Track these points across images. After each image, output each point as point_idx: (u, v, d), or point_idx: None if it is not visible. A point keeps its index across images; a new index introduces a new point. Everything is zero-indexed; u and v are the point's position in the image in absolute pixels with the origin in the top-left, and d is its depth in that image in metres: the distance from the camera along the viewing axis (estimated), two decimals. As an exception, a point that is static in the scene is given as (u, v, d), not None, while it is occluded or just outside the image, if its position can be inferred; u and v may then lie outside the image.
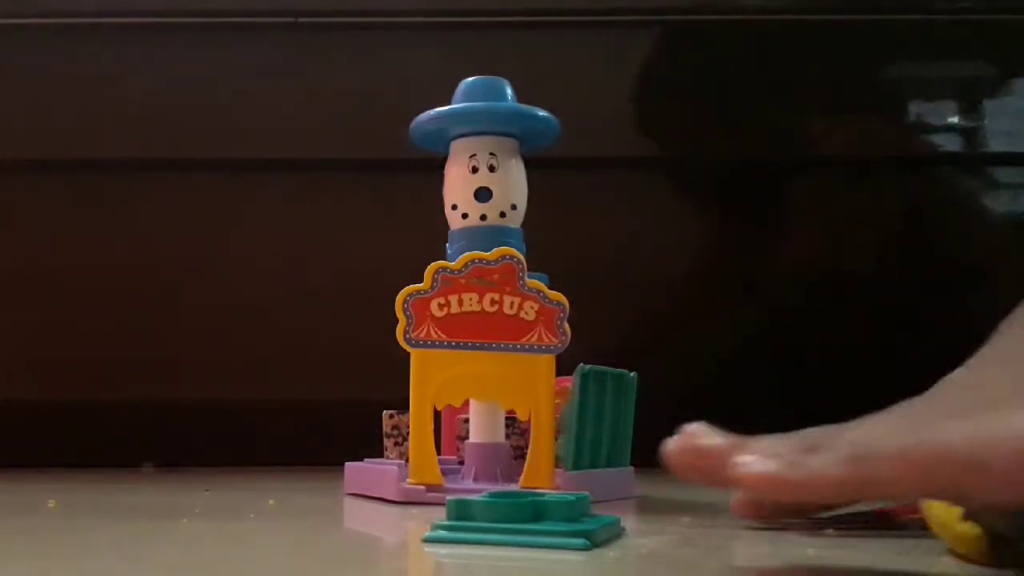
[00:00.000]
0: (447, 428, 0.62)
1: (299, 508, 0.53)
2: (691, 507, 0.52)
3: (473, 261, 0.52)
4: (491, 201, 0.55)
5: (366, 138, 0.83)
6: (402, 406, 0.55)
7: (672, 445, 0.35)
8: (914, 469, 0.29)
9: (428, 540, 0.37)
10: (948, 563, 0.34)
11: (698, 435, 0.35)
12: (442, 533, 0.37)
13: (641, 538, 0.40)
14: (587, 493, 0.40)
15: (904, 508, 0.42)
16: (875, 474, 0.30)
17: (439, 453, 0.56)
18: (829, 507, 0.43)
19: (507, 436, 0.56)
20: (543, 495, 0.39)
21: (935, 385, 0.35)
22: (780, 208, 0.87)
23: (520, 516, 0.36)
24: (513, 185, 0.56)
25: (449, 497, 0.38)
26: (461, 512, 0.37)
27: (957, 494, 0.31)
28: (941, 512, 0.35)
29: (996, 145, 0.86)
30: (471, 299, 0.52)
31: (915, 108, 0.88)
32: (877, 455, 0.30)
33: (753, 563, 0.35)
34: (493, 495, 0.38)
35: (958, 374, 0.36)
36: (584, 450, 0.54)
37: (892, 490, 0.31)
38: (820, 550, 0.36)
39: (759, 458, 0.32)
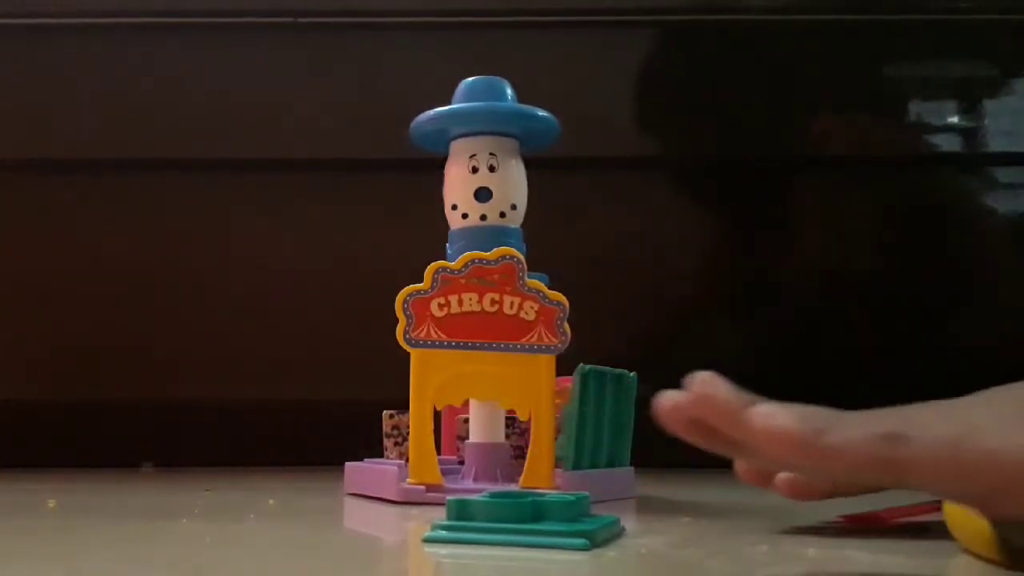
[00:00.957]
0: (447, 428, 0.62)
1: (299, 508, 0.53)
2: (691, 507, 0.52)
3: (473, 261, 0.52)
4: (491, 201, 0.55)
5: (366, 138, 0.83)
6: (402, 406, 0.55)
7: (679, 396, 0.30)
8: (954, 463, 0.28)
9: (428, 540, 0.37)
10: (960, 563, 0.34)
11: (713, 385, 0.30)
12: (442, 533, 0.37)
13: (641, 538, 0.40)
14: (587, 493, 0.40)
15: (921, 508, 0.42)
16: (913, 459, 0.28)
17: (439, 453, 0.56)
18: (840, 492, 0.41)
19: (507, 436, 0.56)
20: (543, 495, 0.39)
21: (985, 391, 0.33)
22: (780, 208, 0.87)
23: (520, 516, 0.36)
24: (513, 185, 0.56)
25: (449, 497, 0.38)
26: (461, 512, 0.37)
27: (991, 500, 0.29)
28: (959, 511, 0.34)
29: (996, 145, 0.86)
30: (471, 299, 0.52)
31: (915, 108, 0.88)
32: (919, 440, 0.28)
33: (753, 563, 0.35)
34: (493, 495, 0.38)
35: (1016, 386, 0.33)
36: (584, 450, 0.54)
37: (924, 479, 0.29)
38: (820, 550, 0.36)
39: (783, 412, 0.29)
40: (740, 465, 0.38)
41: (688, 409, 0.30)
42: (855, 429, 0.29)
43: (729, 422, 0.29)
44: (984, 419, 0.30)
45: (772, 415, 0.28)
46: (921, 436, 0.28)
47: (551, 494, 0.40)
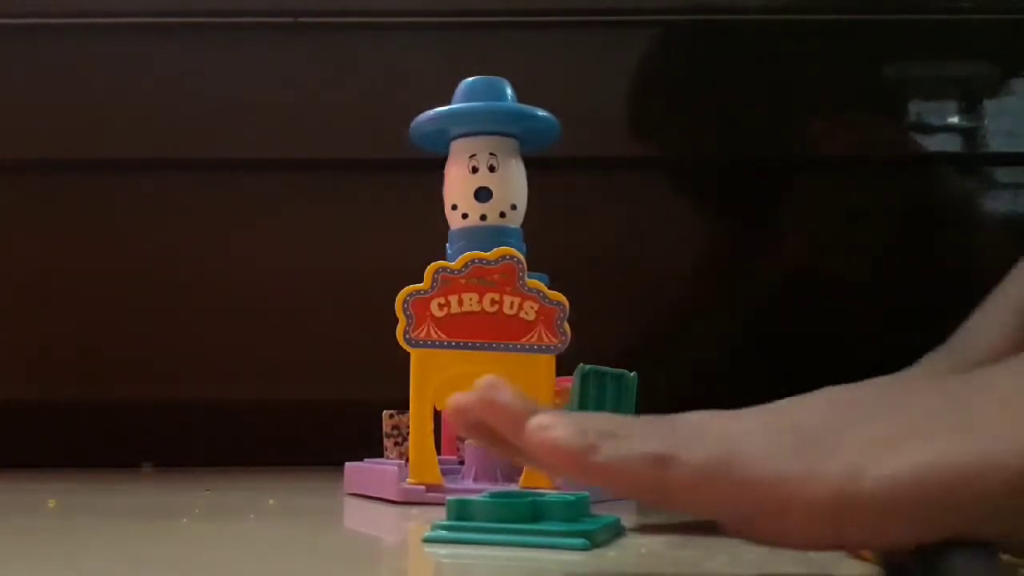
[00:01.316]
0: (447, 428, 0.62)
1: (299, 508, 0.53)
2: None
3: (473, 261, 0.52)
4: (491, 201, 0.55)
5: (366, 138, 0.83)
6: (402, 406, 0.55)
7: (466, 398, 0.30)
8: (712, 489, 0.28)
9: (428, 540, 0.37)
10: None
11: (499, 389, 0.30)
12: (442, 533, 0.37)
13: (641, 538, 0.40)
14: (587, 493, 0.40)
15: None
16: (676, 483, 0.28)
17: (439, 453, 0.56)
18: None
19: (507, 436, 0.56)
20: (543, 495, 0.39)
21: (781, 401, 0.33)
22: (780, 208, 0.87)
23: (520, 516, 0.36)
24: (513, 185, 0.56)
25: (449, 497, 0.38)
26: (461, 512, 0.37)
27: (746, 525, 0.29)
28: None
29: (996, 145, 0.86)
30: (471, 299, 0.52)
31: (915, 108, 0.88)
32: (684, 464, 0.28)
33: (753, 563, 0.35)
34: (493, 495, 0.38)
35: (805, 403, 0.33)
36: (584, 450, 0.54)
37: (686, 503, 0.29)
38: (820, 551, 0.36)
39: (560, 424, 0.29)
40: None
41: (474, 411, 0.30)
42: (628, 447, 0.29)
43: (510, 429, 0.30)
44: (752, 440, 0.30)
45: (548, 427, 0.29)
46: (687, 459, 0.28)
47: (551, 494, 0.40)
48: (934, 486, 0.27)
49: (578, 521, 0.37)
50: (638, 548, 0.37)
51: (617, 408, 0.57)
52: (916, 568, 0.28)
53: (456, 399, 0.31)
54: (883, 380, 0.35)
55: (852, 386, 0.34)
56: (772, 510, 0.28)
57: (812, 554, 0.36)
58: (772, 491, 0.28)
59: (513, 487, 0.51)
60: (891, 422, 0.30)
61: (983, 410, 0.29)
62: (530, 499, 0.37)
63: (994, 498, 0.27)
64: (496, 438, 0.31)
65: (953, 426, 0.29)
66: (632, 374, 0.59)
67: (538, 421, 0.29)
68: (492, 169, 0.56)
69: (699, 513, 0.30)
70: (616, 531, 0.39)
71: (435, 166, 0.58)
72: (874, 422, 0.30)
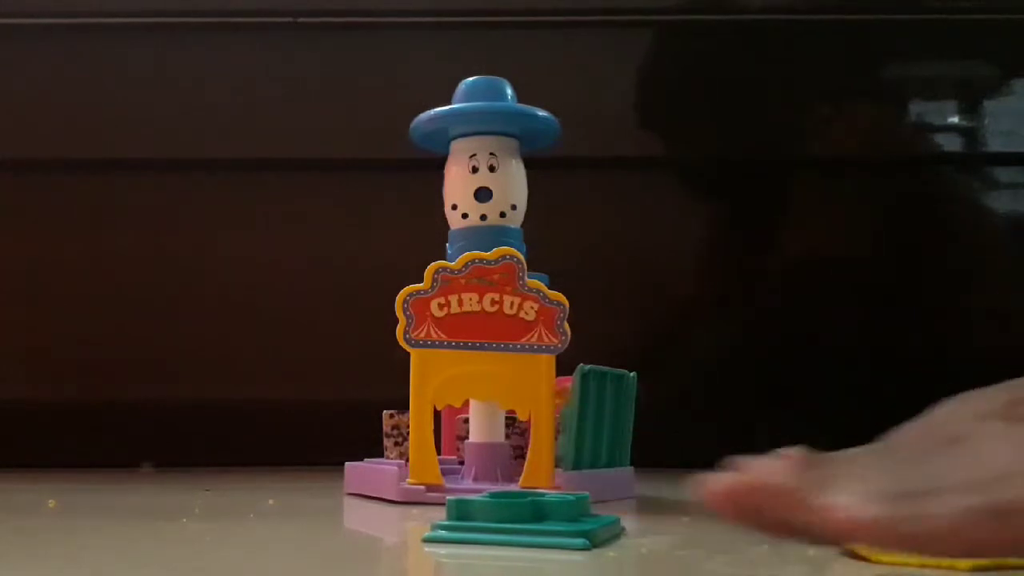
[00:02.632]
0: (447, 428, 0.62)
1: (299, 508, 0.53)
2: (691, 507, 0.52)
3: (473, 261, 0.52)
4: (491, 201, 0.55)
5: (366, 138, 0.83)
6: (402, 406, 0.55)
7: (730, 480, 0.28)
8: None
9: (428, 540, 0.37)
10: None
11: (761, 470, 0.28)
12: (442, 533, 0.37)
13: (641, 538, 0.40)
14: (587, 493, 0.40)
15: None
16: (1015, 526, 0.25)
17: (439, 453, 0.56)
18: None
19: (507, 436, 0.56)
20: (543, 495, 0.39)
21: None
22: (780, 208, 0.87)
23: (520, 516, 0.36)
24: (513, 185, 0.56)
25: (449, 497, 0.38)
26: (461, 512, 0.37)
27: None
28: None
29: (996, 145, 0.86)
30: (471, 299, 0.52)
31: (915, 108, 0.88)
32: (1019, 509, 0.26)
33: (753, 563, 0.35)
34: (493, 495, 0.38)
35: None
36: (584, 450, 0.54)
37: None
38: (820, 550, 0.36)
39: (860, 501, 0.26)
40: (715, 493, 0.32)
41: (741, 496, 0.28)
42: (946, 503, 0.26)
43: (794, 510, 0.27)
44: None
45: (852, 508, 0.26)
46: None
47: (551, 494, 0.40)
48: None
49: (578, 521, 0.37)
50: (638, 548, 0.37)
51: (617, 408, 0.57)
52: None
53: (719, 481, 0.28)
54: None
55: None
56: None
57: (811, 552, 0.36)
58: None
59: (513, 487, 0.51)
60: None
61: None
62: (530, 499, 0.37)
63: None
64: (767, 519, 0.28)
65: None
66: (632, 374, 0.59)
67: (832, 502, 0.27)
68: (492, 169, 0.56)
69: None
70: (616, 531, 0.39)
71: (435, 166, 0.58)
72: None
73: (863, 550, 0.32)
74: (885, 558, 0.32)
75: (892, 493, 0.27)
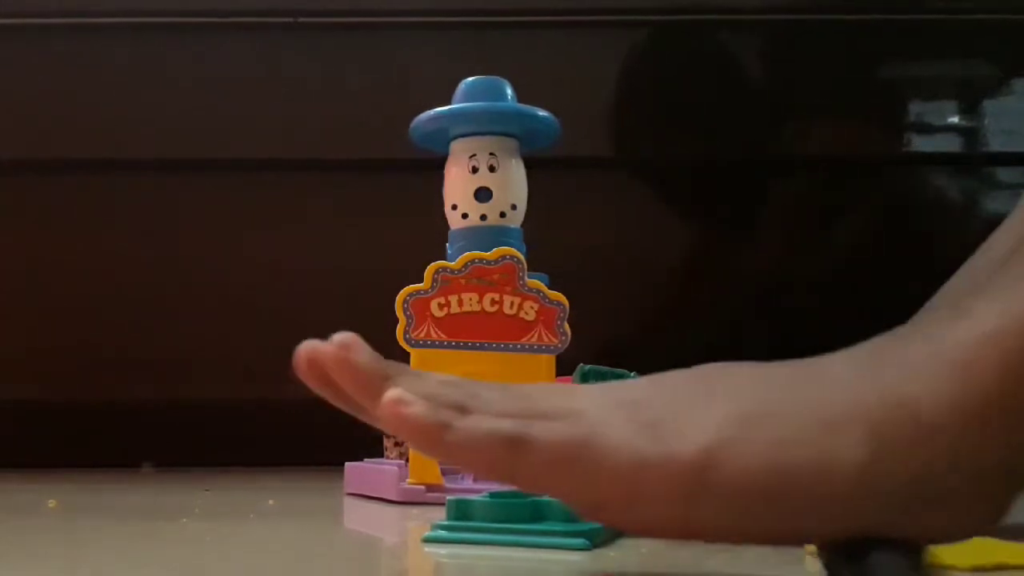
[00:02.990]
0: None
1: (299, 508, 0.53)
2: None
3: (473, 261, 0.52)
4: (491, 201, 0.55)
5: (366, 138, 0.83)
6: (402, 406, 0.55)
7: (319, 350, 0.29)
8: (566, 473, 0.28)
9: (428, 540, 0.37)
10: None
11: (355, 348, 0.29)
12: (441, 533, 0.37)
13: (641, 538, 0.40)
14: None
15: None
16: (530, 467, 0.27)
17: (439, 453, 0.56)
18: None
19: (507, 436, 0.56)
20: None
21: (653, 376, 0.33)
22: (780, 208, 0.87)
23: (520, 516, 0.36)
24: (513, 185, 0.56)
25: (449, 497, 0.38)
26: (461, 512, 0.37)
27: (600, 509, 0.29)
28: None
29: (996, 145, 0.86)
30: (471, 299, 0.52)
31: (915, 108, 0.88)
32: (539, 445, 0.27)
33: (753, 563, 0.35)
34: (493, 495, 0.38)
35: (665, 379, 0.33)
36: (584, 450, 0.54)
37: (539, 486, 0.28)
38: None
39: (414, 399, 0.27)
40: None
41: (326, 365, 0.29)
42: (480, 425, 0.28)
43: (364, 395, 0.29)
44: (606, 421, 0.29)
45: (401, 402, 0.27)
46: (542, 441, 0.28)
47: None
48: (780, 482, 0.27)
49: (579, 521, 0.37)
50: (638, 548, 0.37)
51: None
52: (844, 565, 0.28)
53: (308, 346, 0.29)
54: (746, 364, 0.35)
55: (732, 365, 0.34)
56: (624, 495, 0.28)
57: (810, 551, 0.36)
58: (625, 477, 0.27)
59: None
60: (739, 404, 0.30)
61: (819, 400, 0.29)
62: (531, 499, 0.37)
63: (841, 498, 0.27)
64: (344, 396, 0.30)
65: (791, 414, 0.29)
66: (632, 374, 0.59)
67: (393, 395, 0.28)
68: (492, 169, 0.56)
69: (553, 495, 0.30)
70: (618, 531, 0.39)
71: (435, 166, 0.58)
72: (724, 403, 0.30)
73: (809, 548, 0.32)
74: None
75: (445, 402, 0.28)
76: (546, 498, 0.38)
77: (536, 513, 0.37)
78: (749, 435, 0.28)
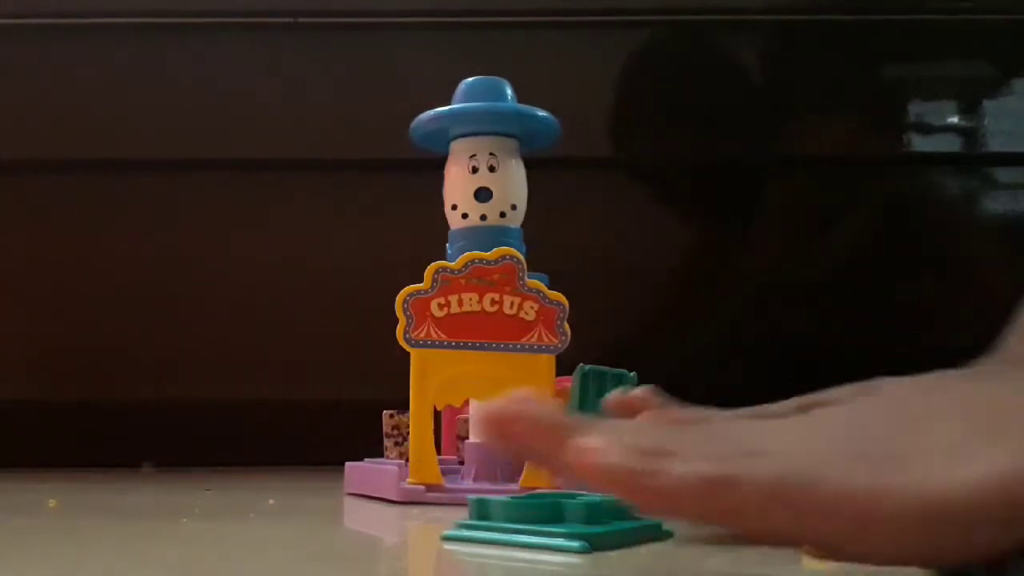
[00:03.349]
0: (447, 428, 0.62)
1: (299, 508, 0.53)
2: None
3: (473, 261, 0.52)
4: (491, 201, 0.55)
5: (366, 138, 0.83)
6: (402, 406, 0.55)
7: (496, 408, 0.29)
8: (787, 508, 0.26)
9: (447, 538, 0.37)
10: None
11: (534, 403, 0.29)
12: (458, 532, 0.37)
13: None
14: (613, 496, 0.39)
15: None
16: (742, 507, 0.27)
17: (439, 453, 0.56)
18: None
19: (507, 436, 0.56)
20: (574, 496, 0.39)
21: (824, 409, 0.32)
22: (780, 208, 0.87)
23: (539, 517, 0.36)
24: (513, 185, 0.56)
25: (469, 496, 0.38)
26: (482, 511, 0.37)
27: (833, 544, 0.27)
28: None
29: (996, 145, 0.86)
30: (471, 299, 0.52)
31: (915, 108, 0.88)
32: (747, 482, 0.27)
33: (753, 563, 0.34)
34: (515, 497, 0.38)
35: (866, 406, 0.32)
36: (584, 450, 0.54)
37: (755, 530, 0.27)
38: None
39: (609, 446, 0.27)
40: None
41: (506, 424, 0.29)
42: (685, 469, 0.27)
43: (553, 447, 0.28)
44: (816, 453, 0.28)
45: (599, 451, 0.27)
46: (754, 481, 0.27)
47: (582, 495, 0.40)
48: (1019, 491, 0.26)
49: (600, 523, 0.37)
50: (638, 550, 0.37)
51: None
52: (980, 572, 0.28)
53: (486, 409, 0.29)
54: (935, 376, 0.35)
55: (905, 382, 0.33)
56: (854, 528, 0.27)
57: (808, 550, 0.36)
58: (853, 509, 0.27)
59: (513, 487, 0.51)
60: (962, 424, 0.29)
61: None
62: (551, 500, 0.37)
63: None
64: (530, 450, 0.29)
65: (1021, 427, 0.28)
66: (632, 374, 0.59)
67: (584, 443, 0.27)
68: (492, 169, 0.56)
69: (768, 537, 0.28)
70: (651, 534, 0.39)
71: (435, 166, 0.58)
72: (945, 424, 0.29)
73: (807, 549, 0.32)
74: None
75: (641, 448, 0.27)
76: (567, 499, 0.38)
77: (556, 515, 0.37)
78: (977, 452, 0.27)
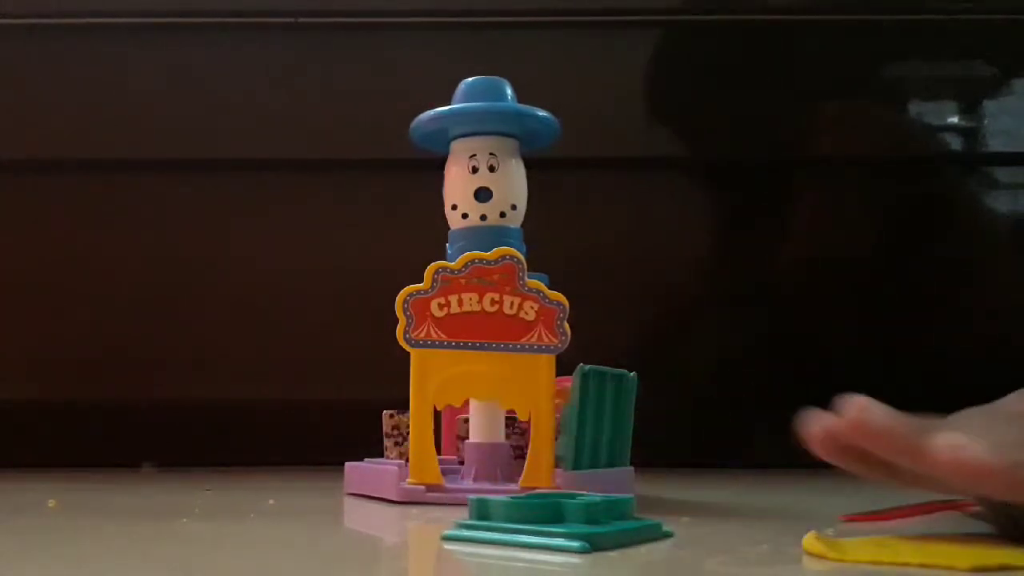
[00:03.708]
0: (447, 428, 0.62)
1: (299, 508, 0.53)
2: (691, 507, 0.52)
3: (473, 261, 0.52)
4: (491, 201, 0.55)
5: (366, 138, 0.83)
6: (402, 406, 0.55)
7: (830, 421, 0.28)
8: None
9: (447, 538, 0.37)
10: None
11: (871, 410, 0.28)
12: (456, 532, 0.37)
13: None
14: (631, 496, 0.39)
15: (921, 508, 0.41)
16: None
17: (439, 453, 0.56)
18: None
19: (507, 436, 0.56)
20: (574, 496, 0.39)
21: None
22: (780, 208, 0.87)
23: (539, 517, 0.36)
24: (513, 185, 0.56)
25: (470, 496, 0.38)
26: (482, 511, 0.37)
27: None
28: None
29: (996, 145, 0.86)
30: (471, 299, 0.52)
31: (915, 108, 0.88)
32: None
33: (753, 563, 0.35)
34: (515, 497, 0.38)
35: None
36: (584, 450, 0.54)
37: None
38: (819, 551, 0.36)
39: (971, 443, 0.26)
40: (815, 433, 0.31)
41: (843, 436, 0.28)
42: None
43: (898, 451, 0.27)
44: None
45: (961, 447, 0.26)
46: None
47: (583, 496, 0.40)
48: None
49: (600, 523, 0.37)
50: (638, 551, 0.37)
51: (617, 408, 0.57)
52: None
53: (819, 423, 0.28)
54: None
55: None
56: None
57: (808, 550, 0.36)
58: None
59: (513, 487, 0.51)
60: None
61: None
62: (551, 500, 0.37)
63: None
64: (866, 459, 0.28)
65: None
66: (632, 374, 0.59)
67: (947, 441, 0.26)
68: (492, 169, 0.56)
69: None
70: (651, 534, 0.39)
71: (435, 166, 0.58)
72: None
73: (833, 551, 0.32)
74: (864, 556, 0.32)
75: (999, 441, 0.26)
76: (567, 499, 0.38)
77: (556, 515, 0.37)
78: None
